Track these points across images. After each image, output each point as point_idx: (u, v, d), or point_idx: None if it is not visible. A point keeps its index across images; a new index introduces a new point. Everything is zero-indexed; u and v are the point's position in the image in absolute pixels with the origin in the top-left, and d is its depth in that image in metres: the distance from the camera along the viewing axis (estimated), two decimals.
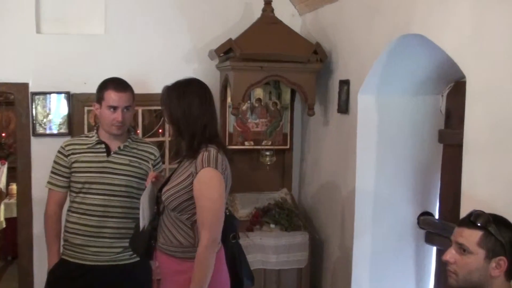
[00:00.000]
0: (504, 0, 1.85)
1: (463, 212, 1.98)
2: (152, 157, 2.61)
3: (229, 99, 3.44)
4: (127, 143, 2.55)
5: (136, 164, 2.53)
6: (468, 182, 2.04)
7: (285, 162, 3.73)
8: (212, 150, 2.04)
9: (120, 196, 2.49)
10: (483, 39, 1.96)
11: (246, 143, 3.62)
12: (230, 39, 3.19)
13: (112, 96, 2.45)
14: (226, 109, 3.54)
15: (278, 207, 3.37)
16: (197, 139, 2.05)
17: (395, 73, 2.76)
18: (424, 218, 2.96)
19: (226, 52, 3.29)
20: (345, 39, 3.12)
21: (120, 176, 2.49)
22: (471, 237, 1.59)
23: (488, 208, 1.73)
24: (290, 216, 3.33)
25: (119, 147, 2.53)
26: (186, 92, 2.06)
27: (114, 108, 2.45)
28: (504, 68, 1.85)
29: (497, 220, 1.60)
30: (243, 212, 3.43)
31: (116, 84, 2.48)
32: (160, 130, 3.68)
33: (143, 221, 2.14)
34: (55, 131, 3.41)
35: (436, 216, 2.95)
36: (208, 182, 2.00)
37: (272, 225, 3.30)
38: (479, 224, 1.59)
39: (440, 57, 2.29)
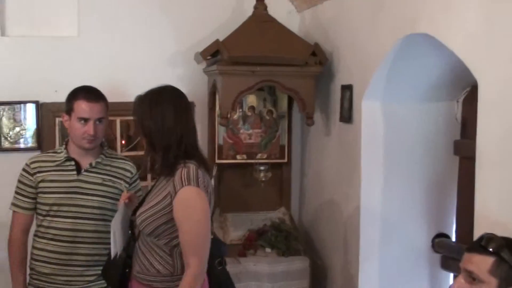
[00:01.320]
0: None
1: (477, 235, 1.95)
2: (129, 174, 2.63)
3: (218, 108, 3.48)
4: (99, 160, 2.56)
5: (110, 183, 2.54)
6: (482, 200, 2.05)
7: (283, 177, 3.74)
8: (192, 166, 2.06)
9: (92, 219, 2.50)
10: (496, 40, 1.97)
11: (238, 156, 3.63)
12: (217, 40, 3.23)
13: (82, 107, 2.47)
14: (215, 118, 3.57)
15: (275, 229, 3.39)
16: (173, 153, 2.06)
17: (403, 76, 2.78)
18: (439, 240, 2.97)
19: (214, 54, 3.33)
20: (347, 39, 3.14)
21: (92, 196, 2.50)
22: (482, 264, 1.58)
23: (504, 230, 1.73)
24: (289, 239, 3.35)
25: (90, 164, 2.54)
26: (159, 100, 2.08)
27: (85, 120, 2.47)
28: None
29: None
30: (235, 235, 3.46)
31: (87, 93, 2.50)
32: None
33: (115, 247, 2.15)
34: (22, 146, 3.43)
35: (453, 238, 2.97)
36: (190, 203, 2.02)
37: (267, 249, 3.32)
38: (490, 250, 1.58)
39: (453, 59, 2.30)
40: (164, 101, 2.08)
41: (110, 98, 2.61)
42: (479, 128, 2.08)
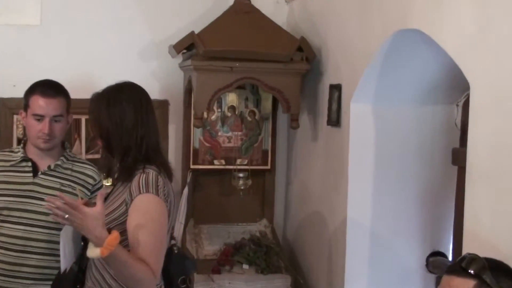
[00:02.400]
0: None
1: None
2: (91, 181, 2.64)
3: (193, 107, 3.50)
4: (59, 162, 2.57)
5: (69, 189, 2.52)
6: (472, 215, 2.05)
7: (265, 186, 3.76)
8: (151, 172, 2.08)
9: (46, 227, 2.49)
10: (490, 39, 1.97)
11: (215, 162, 3.65)
12: (192, 33, 3.24)
13: (38, 103, 2.48)
14: (191, 118, 3.59)
15: (254, 243, 3.43)
16: (132, 156, 2.09)
17: (396, 76, 2.79)
18: (434, 259, 2.98)
19: (189, 48, 3.33)
20: (335, 33, 3.15)
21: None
22: (462, 287, 1.59)
23: (495, 250, 1.75)
24: (269, 255, 3.38)
25: (49, 167, 2.55)
26: (117, 99, 2.11)
27: (41, 117, 2.48)
28: None
29: (495, 267, 1.58)
30: (209, 249, 3.47)
31: (44, 88, 2.51)
32: None
33: (65, 261, 2.14)
34: None
35: (450, 257, 2.96)
36: (146, 211, 2.03)
37: (245, 266, 3.34)
38: (471, 272, 1.58)
39: (450, 59, 2.29)
40: (123, 99, 2.11)
41: (75, 95, 2.63)
42: (470, 135, 2.08)
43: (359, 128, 2.91)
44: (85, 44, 3.57)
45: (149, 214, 2.03)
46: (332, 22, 3.17)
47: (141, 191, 2.03)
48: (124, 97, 2.12)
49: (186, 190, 3.55)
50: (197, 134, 3.61)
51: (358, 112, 2.91)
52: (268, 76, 3.25)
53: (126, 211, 2.06)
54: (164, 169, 2.14)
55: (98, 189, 2.63)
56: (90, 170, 2.64)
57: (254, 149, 3.69)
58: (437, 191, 2.99)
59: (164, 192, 2.07)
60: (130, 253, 1.97)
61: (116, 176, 2.16)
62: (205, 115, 3.51)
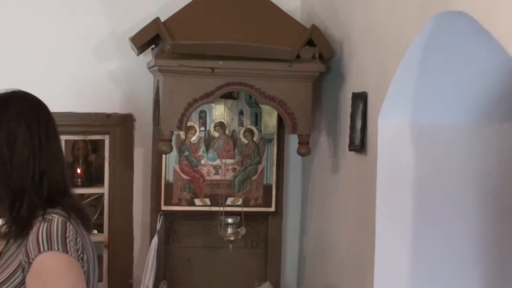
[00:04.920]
0: None
1: None
2: None
3: None
4: None
5: None
6: None
7: (268, 236, 3.73)
8: (56, 219, 2.01)
9: None
10: None
11: (197, 201, 3.62)
12: (156, 20, 3.19)
13: None
14: None
15: None
16: (27, 201, 2.02)
17: (442, 80, 2.70)
18: None
19: (155, 42, 3.31)
20: (362, 19, 3.11)
21: None
22: None
23: None
24: None
25: None
26: (1, 117, 2.04)
27: None
28: None
29: None
30: None
31: None
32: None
33: None
34: None
35: None
36: (50, 279, 1.97)
37: None
38: None
39: None
40: (10, 119, 2.04)
41: None
42: None
43: (389, 155, 2.82)
44: (17, 38, 3.56)
45: (54, 281, 1.97)
46: (357, 6, 3.16)
47: (42, 249, 1.95)
48: (11, 114, 2.04)
49: (155, 241, 3.50)
50: (171, 163, 3.58)
51: (389, 131, 2.82)
52: (265, 81, 3.22)
53: (24, 279, 1.98)
54: (75, 211, 2.07)
55: None
56: None
57: (251, 184, 3.66)
58: (507, 242, 2.88)
59: (77, 247, 2.00)
60: None
61: (5, 230, 2.10)
62: (181, 135, 3.50)
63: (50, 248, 1.94)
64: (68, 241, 1.97)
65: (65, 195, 2.08)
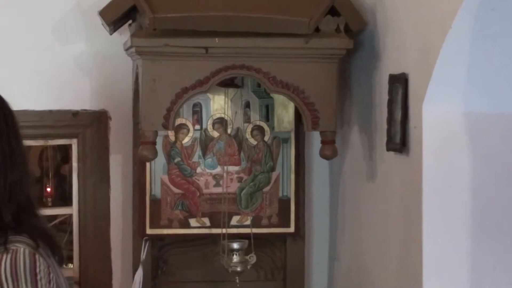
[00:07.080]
0: None
1: None
2: None
3: None
4: None
5: None
6: None
7: (287, 265, 3.80)
8: (22, 249, 2.04)
9: None
10: None
11: (192, 222, 3.66)
12: None
13: None
14: None
15: None
16: None
17: (504, 56, 2.77)
18: None
19: (130, 16, 3.37)
20: None
21: None
22: None
23: None
24: None
25: None
26: None
27: None
28: None
29: None
30: None
31: None
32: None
33: None
34: None
35: None
36: None
37: None
38: None
39: None
40: None
41: None
42: None
43: (439, 154, 2.88)
44: None
45: None
46: None
47: None
48: None
49: (139, 275, 3.55)
50: (157, 173, 3.63)
51: (437, 123, 2.88)
52: (275, 63, 3.27)
53: None
54: (44, 239, 2.11)
55: None
56: None
57: (263, 198, 3.72)
58: None
59: (50, 286, 2.05)
60: None
61: None
62: (170, 137, 3.58)
63: (16, 285, 1.98)
64: (38, 278, 2.01)
65: (31, 215, 2.12)
